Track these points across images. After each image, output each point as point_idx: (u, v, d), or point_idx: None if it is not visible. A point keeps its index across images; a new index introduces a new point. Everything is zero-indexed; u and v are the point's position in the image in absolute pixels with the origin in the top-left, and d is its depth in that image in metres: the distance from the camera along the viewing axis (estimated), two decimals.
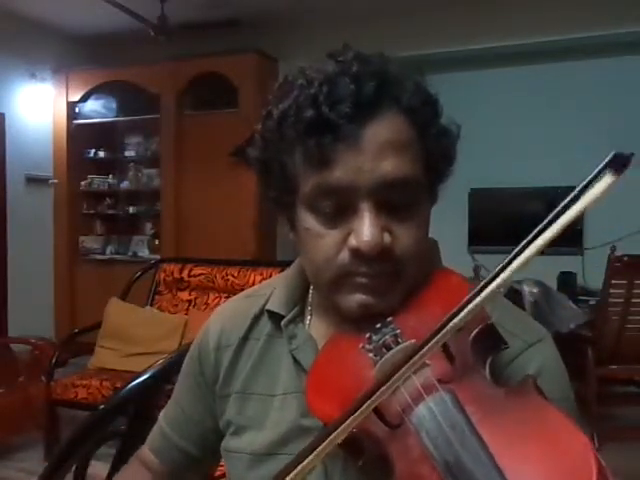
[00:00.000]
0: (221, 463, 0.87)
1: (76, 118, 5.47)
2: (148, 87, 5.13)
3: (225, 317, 0.85)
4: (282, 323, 0.78)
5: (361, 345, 0.65)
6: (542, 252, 0.51)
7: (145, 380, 1.22)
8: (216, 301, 3.29)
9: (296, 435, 0.72)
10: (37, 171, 5.27)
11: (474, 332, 0.60)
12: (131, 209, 5.53)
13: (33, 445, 3.17)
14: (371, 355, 0.64)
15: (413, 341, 0.62)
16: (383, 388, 0.56)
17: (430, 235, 0.79)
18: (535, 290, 3.49)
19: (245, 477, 0.76)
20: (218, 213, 4.85)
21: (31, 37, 5.15)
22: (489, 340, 0.62)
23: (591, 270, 4.61)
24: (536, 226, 0.52)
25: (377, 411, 0.59)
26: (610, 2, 4.33)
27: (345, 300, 0.68)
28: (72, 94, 5.40)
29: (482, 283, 0.54)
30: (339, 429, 0.56)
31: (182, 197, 5.07)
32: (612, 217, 4.77)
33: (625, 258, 3.18)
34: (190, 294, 3.41)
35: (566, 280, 4.32)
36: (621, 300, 3.24)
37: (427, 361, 0.59)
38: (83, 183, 5.55)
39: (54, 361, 3.10)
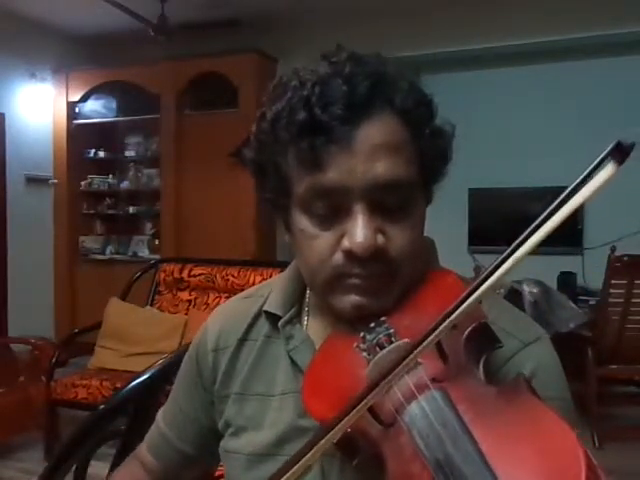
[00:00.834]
0: (221, 463, 0.87)
1: (76, 118, 5.47)
2: (148, 87, 5.13)
3: (223, 318, 0.85)
4: (279, 324, 0.78)
5: (355, 345, 0.65)
6: (542, 243, 0.51)
7: (145, 380, 1.22)
8: (216, 301, 3.29)
9: (294, 435, 0.72)
10: (37, 171, 5.27)
11: (467, 331, 0.60)
12: (131, 209, 5.53)
13: (33, 445, 3.17)
14: (364, 354, 0.64)
15: (406, 340, 0.62)
16: (377, 389, 0.56)
17: (430, 235, 0.79)
18: (535, 290, 3.49)
19: (243, 478, 0.76)
20: (218, 213, 4.85)
21: (31, 37, 5.15)
22: (483, 339, 0.62)
23: (591, 270, 4.61)
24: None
25: (371, 410, 0.59)
26: (610, 2, 4.33)
27: (339, 301, 0.68)
28: (72, 94, 5.40)
29: (477, 281, 0.54)
30: (333, 430, 0.56)
31: (182, 197, 5.07)
32: (612, 217, 4.79)
33: (625, 258, 3.18)
34: (190, 294, 3.41)
35: (566, 280, 4.32)
36: (621, 300, 3.24)
37: (420, 360, 0.59)
38: (83, 183, 5.55)
39: (54, 361, 3.10)
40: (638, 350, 3.30)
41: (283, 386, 0.76)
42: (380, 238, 0.65)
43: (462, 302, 0.54)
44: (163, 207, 5.19)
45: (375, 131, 0.65)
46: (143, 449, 0.92)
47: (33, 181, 5.25)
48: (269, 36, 5.00)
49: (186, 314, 3.35)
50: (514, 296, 3.42)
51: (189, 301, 3.40)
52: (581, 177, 0.49)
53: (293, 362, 0.75)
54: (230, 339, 0.82)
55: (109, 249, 5.57)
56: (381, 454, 0.58)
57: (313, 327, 0.78)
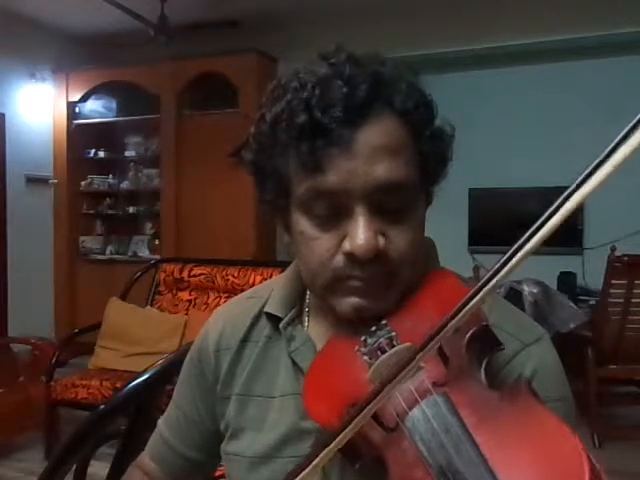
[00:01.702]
0: (221, 463, 0.86)
1: (76, 118, 5.47)
2: (148, 87, 5.13)
3: (224, 319, 0.85)
4: (280, 325, 0.78)
5: (356, 348, 0.65)
6: (543, 242, 0.50)
7: (145, 380, 1.22)
8: (216, 301, 3.29)
9: (295, 437, 0.72)
10: (37, 171, 5.27)
11: (469, 334, 0.60)
12: (131, 209, 5.53)
13: (33, 445, 3.17)
14: (366, 358, 0.64)
15: (408, 344, 0.62)
16: (382, 394, 0.56)
17: (430, 235, 0.79)
18: (535, 290, 3.49)
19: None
20: (218, 213, 4.85)
21: (31, 37, 5.15)
22: (484, 342, 0.61)
23: (591, 270, 4.61)
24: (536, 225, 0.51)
25: (373, 415, 0.59)
26: (610, 2, 4.33)
27: (340, 303, 0.68)
28: (72, 94, 5.40)
29: (481, 282, 0.54)
30: (336, 440, 0.55)
31: (182, 197, 5.07)
32: (612, 217, 4.78)
33: (625, 258, 3.18)
34: (190, 294, 3.41)
35: (566, 280, 4.32)
36: (621, 300, 3.24)
37: (422, 364, 0.59)
38: (83, 183, 5.55)
39: (54, 361, 3.10)
40: (638, 350, 3.29)
41: (284, 388, 0.76)
42: (381, 240, 0.65)
43: (465, 305, 0.54)
44: (163, 207, 5.19)
45: (375, 133, 0.64)
46: (145, 458, 0.91)
47: (33, 181, 5.24)
48: (269, 36, 5.00)
49: (186, 314, 3.35)
50: (514, 296, 3.42)
51: (189, 301, 3.40)
52: (611, 146, 0.47)
53: (294, 364, 0.75)
54: (231, 340, 0.82)
55: (109, 249, 5.57)
56: (383, 459, 0.57)
57: (314, 328, 0.78)
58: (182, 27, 4.65)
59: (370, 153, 0.64)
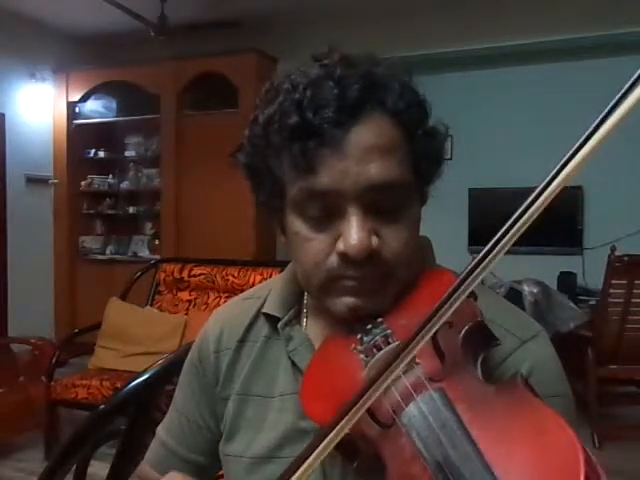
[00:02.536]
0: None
1: (76, 118, 5.47)
2: (148, 87, 5.13)
3: (222, 320, 0.85)
4: (279, 325, 0.78)
5: (352, 346, 0.65)
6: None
7: (145, 380, 1.22)
8: (216, 301, 3.29)
9: (294, 437, 0.72)
10: (37, 171, 5.27)
11: (464, 329, 0.60)
12: (131, 209, 5.53)
13: (33, 445, 3.17)
14: (362, 356, 0.64)
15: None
16: (372, 389, 0.56)
17: (430, 235, 0.79)
18: (535, 290, 3.49)
19: None
20: (218, 213, 4.85)
21: (31, 37, 5.15)
22: (480, 337, 0.61)
23: (591, 270, 4.62)
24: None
25: (370, 412, 0.59)
26: (610, 2, 4.33)
27: (335, 303, 0.68)
28: (72, 94, 5.40)
29: (465, 271, 0.54)
30: (331, 435, 0.56)
31: (182, 197, 5.07)
32: (612, 217, 4.79)
33: (625, 258, 3.18)
34: (190, 294, 3.41)
35: (566, 280, 4.32)
36: (621, 300, 3.24)
37: (418, 360, 0.59)
38: (83, 183, 5.55)
39: (54, 361, 3.10)
40: (638, 350, 3.29)
41: (283, 387, 0.76)
42: (374, 240, 0.65)
43: (450, 296, 0.54)
44: (163, 207, 5.19)
45: (367, 133, 0.64)
46: (146, 467, 0.89)
47: (33, 181, 5.25)
48: (269, 36, 5.00)
49: (186, 314, 3.35)
50: (514, 296, 3.42)
51: (189, 301, 3.40)
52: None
53: (293, 364, 0.75)
54: (230, 341, 0.82)
55: (109, 249, 5.58)
56: (381, 456, 0.58)
57: (312, 328, 0.78)
58: (182, 27, 4.65)
59: (362, 153, 0.64)
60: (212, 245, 4.72)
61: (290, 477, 0.56)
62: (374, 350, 0.64)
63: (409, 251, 0.68)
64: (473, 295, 0.62)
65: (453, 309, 0.54)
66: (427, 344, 0.59)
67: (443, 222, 4.20)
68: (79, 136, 5.48)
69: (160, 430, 0.89)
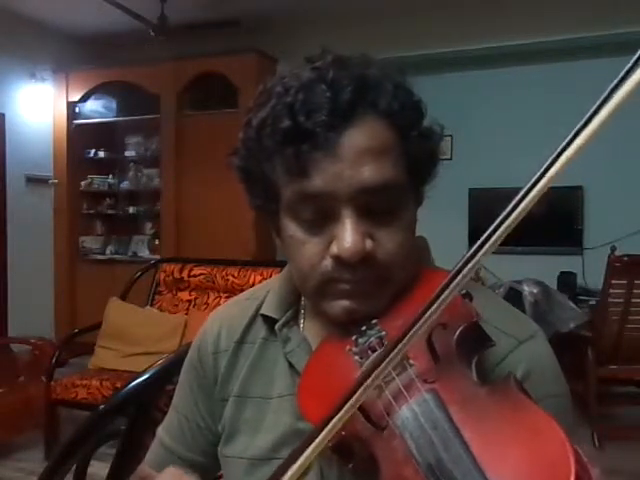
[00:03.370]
0: None
1: (76, 118, 5.47)
2: (148, 87, 5.13)
3: (221, 321, 0.85)
4: (276, 327, 0.78)
5: (347, 348, 0.65)
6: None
7: (145, 380, 1.22)
8: (216, 301, 3.29)
9: (292, 438, 0.72)
10: (37, 171, 5.27)
11: (458, 330, 0.60)
12: (131, 209, 5.53)
13: (33, 445, 3.17)
14: (357, 358, 0.64)
15: None
16: (360, 390, 0.56)
17: (430, 235, 0.79)
18: (535, 290, 3.49)
19: None
20: (218, 213, 4.85)
21: (31, 37, 5.15)
22: (475, 338, 0.61)
23: (591, 270, 4.62)
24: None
25: (364, 413, 0.59)
26: (610, 2, 4.33)
27: (330, 306, 0.68)
28: (72, 94, 5.40)
29: (454, 269, 0.54)
30: (322, 433, 0.56)
31: (182, 197, 5.07)
32: (612, 217, 4.79)
33: (625, 258, 3.18)
34: (190, 294, 3.41)
35: (566, 280, 4.32)
36: (621, 300, 3.24)
37: (412, 361, 0.59)
38: (83, 183, 5.55)
39: (54, 361, 3.10)
40: (638, 350, 3.29)
41: (281, 389, 0.76)
42: (369, 243, 0.65)
43: (440, 294, 0.54)
44: (163, 207, 5.19)
45: (360, 136, 0.64)
46: (146, 468, 0.89)
47: (33, 181, 5.25)
48: (269, 36, 5.00)
49: (186, 314, 3.35)
50: (514, 296, 3.42)
51: (189, 301, 3.40)
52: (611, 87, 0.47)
53: (290, 365, 0.75)
54: (228, 342, 0.82)
55: (109, 249, 5.58)
56: (375, 457, 0.58)
57: (310, 329, 0.78)
58: (182, 27, 4.65)
59: (355, 156, 0.64)
60: (212, 245, 4.72)
61: (281, 477, 0.57)
62: (369, 352, 0.64)
63: (404, 253, 0.67)
64: (469, 296, 0.62)
65: (441, 309, 0.55)
66: (421, 345, 0.60)
67: (443, 222, 4.21)
68: (79, 136, 5.48)
69: (160, 430, 0.89)
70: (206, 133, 4.89)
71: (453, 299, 0.55)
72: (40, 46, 5.27)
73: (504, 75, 5.20)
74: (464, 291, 0.60)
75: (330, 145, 0.63)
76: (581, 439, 0.48)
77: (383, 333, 0.65)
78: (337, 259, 0.65)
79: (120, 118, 5.47)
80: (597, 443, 3.21)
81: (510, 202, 0.52)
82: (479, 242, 0.53)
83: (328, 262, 0.66)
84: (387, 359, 0.56)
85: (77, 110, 5.48)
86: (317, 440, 0.56)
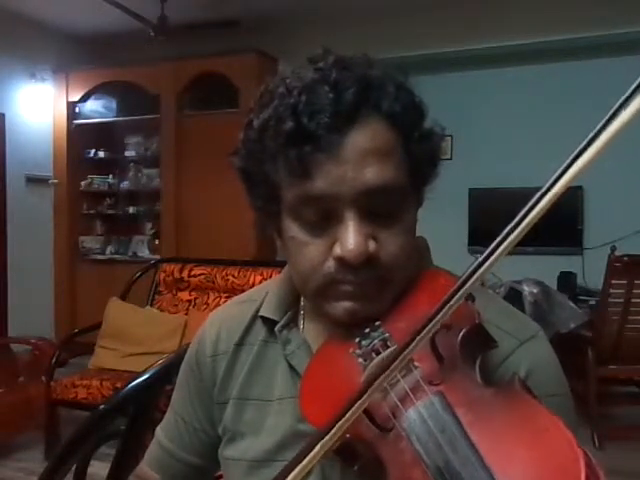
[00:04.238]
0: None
1: (76, 118, 5.47)
2: (148, 87, 5.13)
3: (219, 324, 0.84)
4: (276, 329, 0.78)
5: (351, 350, 0.65)
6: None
7: (145, 380, 1.22)
8: (216, 301, 3.29)
9: (293, 441, 0.72)
10: (37, 171, 5.27)
11: (462, 332, 0.60)
12: (131, 209, 5.53)
13: (33, 445, 3.17)
14: (360, 360, 0.64)
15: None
16: (369, 391, 0.56)
17: (430, 235, 0.79)
18: (535, 290, 3.48)
19: None
20: (218, 213, 4.85)
21: (31, 37, 5.15)
22: (478, 340, 0.61)
23: (591, 270, 4.61)
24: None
25: (369, 416, 0.59)
26: (610, 2, 4.33)
27: (332, 308, 0.68)
28: (72, 94, 5.40)
29: (463, 276, 0.54)
30: (327, 436, 0.56)
31: (182, 197, 5.07)
32: (612, 217, 4.79)
33: (625, 258, 3.18)
34: (190, 294, 3.41)
35: (566, 280, 4.32)
36: (621, 300, 3.24)
37: (416, 363, 0.59)
38: (83, 183, 5.55)
39: (54, 361, 3.10)
40: (638, 350, 3.29)
41: (281, 391, 0.76)
42: (372, 244, 0.65)
43: (448, 301, 0.54)
44: (163, 207, 5.19)
45: (363, 137, 0.64)
46: (145, 467, 0.89)
47: (33, 181, 5.25)
48: (269, 36, 5.00)
49: (186, 314, 3.35)
50: (514, 296, 3.42)
51: (189, 301, 3.40)
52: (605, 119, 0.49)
53: (291, 367, 0.75)
54: (227, 344, 0.82)
55: (109, 249, 5.57)
56: (381, 460, 0.58)
57: (310, 331, 0.78)
58: (182, 27, 4.65)
59: (358, 158, 0.63)
60: (212, 245, 4.72)
61: (285, 478, 0.57)
62: (372, 354, 0.64)
63: (406, 254, 0.68)
64: (471, 297, 0.62)
65: (450, 313, 0.55)
66: (425, 347, 0.59)
67: (443, 222, 4.21)
68: (79, 136, 5.48)
69: (158, 430, 0.89)
70: (206, 133, 4.89)
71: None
72: (40, 46, 5.27)
73: (504, 75, 5.20)
74: None
75: (333, 147, 0.63)
76: (581, 439, 0.48)
77: (387, 335, 0.65)
78: (340, 260, 0.65)
79: (120, 118, 5.47)
80: (597, 443, 3.21)
81: (521, 208, 0.51)
82: (489, 250, 0.52)
83: (331, 264, 0.66)
84: (394, 364, 0.56)
85: (77, 110, 5.48)
86: (321, 443, 0.56)
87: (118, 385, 2.84)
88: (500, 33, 4.62)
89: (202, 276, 3.36)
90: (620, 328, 3.28)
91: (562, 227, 5.02)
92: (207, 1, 4.69)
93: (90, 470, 1.30)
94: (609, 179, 4.77)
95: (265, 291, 0.83)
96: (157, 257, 4.65)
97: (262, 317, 0.80)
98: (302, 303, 0.80)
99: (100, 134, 5.58)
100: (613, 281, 3.23)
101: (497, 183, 5.17)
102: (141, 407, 1.22)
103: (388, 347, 0.63)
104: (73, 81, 5.39)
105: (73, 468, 1.26)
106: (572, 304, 3.58)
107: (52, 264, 5.44)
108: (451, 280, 0.68)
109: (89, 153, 5.56)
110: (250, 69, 4.72)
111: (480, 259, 0.53)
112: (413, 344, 0.55)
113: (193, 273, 3.39)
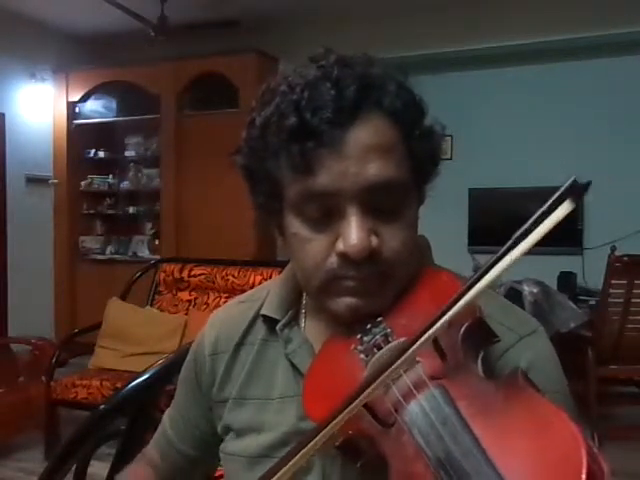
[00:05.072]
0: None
1: (76, 118, 5.47)
2: (148, 87, 5.13)
3: (220, 323, 0.85)
4: (277, 327, 0.78)
5: (353, 346, 0.66)
6: (539, 243, 0.53)
7: (145, 380, 1.22)
8: (216, 301, 3.29)
9: (294, 438, 0.72)
10: (37, 171, 5.27)
11: (464, 327, 0.60)
12: (131, 209, 5.54)
13: (33, 445, 3.17)
14: (362, 356, 0.64)
15: (403, 339, 0.62)
16: (372, 386, 0.56)
17: (430, 235, 0.79)
18: (535, 290, 3.48)
19: (241, 479, 0.76)
20: (218, 213, 4.85)
21: (31, 37, 5.15)
22: (480, 334, 0.62)
23: (591, 270, 4.61)
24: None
25: (371, 411, 0.59)
26: (610, 2, 4.33)
27: (334, 303, 0.68)
28: (72, 94, 5.40)
29: (471, 280, 0.55)
30: (326, 429, 0.56)
31: (182, 197, 5.07)
32: (612, 217, 4.78)
33: (625, 258, 3.18)
34: (190, 294, 3.41)
35: (566, 280, 4.32)
36: (621, 300, 3.24)
37: (418, 358, 0.59)
38: (83, 183, 5.55)
39: (54, 361, 3.10)
40: (638, 350, 3.29)
41: (282, 389, 0.76)
42: (374, 240, 0.65)
43: (457, 300, 0.55)
44: (163, 207, 5.19)
45: (365, 133, 0.65)
46: (150, 449, 0.94)
47: (33, 181, 5.25)
48: (269, 36, 5.00)
49: (186, 314, 3.35)
50: (514, 296, 3.42)
51: (189, 301, 3.40)
52: (538, 213, 0.53)
53: (292, 365, 0.75)
54: (227, 344, 0.82)
55: (109, 249, 5.57)
56: (384, 454, 0.58)
57: (311, 329, 0.78)
58: (182, 27, 4.65)
59: (360, 153, 0.64)
60: (212, 245, 4.72)
61: (279, 470, 0.57)
62: (374, 350, 0.64)
63: (408, 250, 0.68)
64: None
65: (456, 315, 0.55)
66: (428, 342, 0.60)
67: (443, 222, 4.20)
68: (79, 136, 5.48)
69: (165, 416, 0.93)
70: (206, 133, 4.89)
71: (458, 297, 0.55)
72: (40, 46, 5.27)
73: (504, 75, 5.20)
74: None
75: (335, 142, 0.63)
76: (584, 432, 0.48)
77: (388, 330, 0.65)
78: (343, 256, 0.65)
79: (120, 118, 5.48)
80: (597, 443, 3.22)
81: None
82: (499, 253, 0.53)
83: (333, 259, 0.66)
84: (397, 362, 0.56)
85: (77, 110, 5.49)
86: (317, 437, 0.56)
87: (118, 385, 2.84)
88: (500, 33, 4.62)
89: (202, 276, 3.36)
90: (620, 328, 3.27)
91: (562, 227, 5.02)
92: (207, 1, 4.69)
93: (90, 470, 1.30)
94: (609, 179, 4.77)
95: (266, 291, 0.83)
96: (157, 257, 4.65)
97: (263, 316, 0.80)
98: (304, 302, 0.80)
99: (100, 134, 5.58)
100: (613, 281, 3.23)
101: (497, 183, 5.17)
102: (141, 407, 1.22)
103: (389, 342, 0.64)
104: (73, 81, 5.39)
105: (73, 468, 1.26)
106: (572, 304, 3.57)
107: (52, 264, 5.44)
108: (453, 278, 0.69)
109: (89, 153, 5.56)
110: (250, 69, 4.72)
111: (493, 259, 0.54)
112: (418, 343, 0.56)
113: (193, 273, 3.39)
